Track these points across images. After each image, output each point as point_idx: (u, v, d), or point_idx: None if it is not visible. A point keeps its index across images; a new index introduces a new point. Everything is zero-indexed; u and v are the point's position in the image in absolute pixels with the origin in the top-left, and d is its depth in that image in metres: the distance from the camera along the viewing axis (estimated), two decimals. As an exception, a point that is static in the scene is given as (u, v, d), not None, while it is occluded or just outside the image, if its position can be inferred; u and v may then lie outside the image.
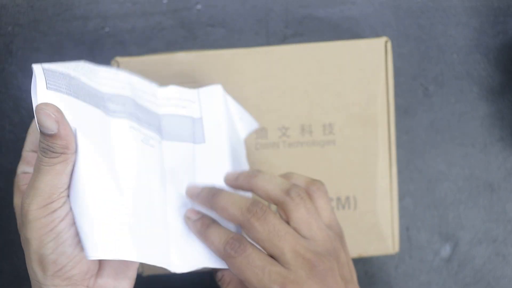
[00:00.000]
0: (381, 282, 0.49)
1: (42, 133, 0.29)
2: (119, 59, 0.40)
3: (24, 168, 0.35)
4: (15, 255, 0.48)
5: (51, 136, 0.28)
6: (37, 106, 0.29)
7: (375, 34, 0.48)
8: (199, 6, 0.48)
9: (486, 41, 0.47)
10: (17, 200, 0.35)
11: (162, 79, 0.39)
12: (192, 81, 0.40)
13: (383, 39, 0.40)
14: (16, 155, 0.48)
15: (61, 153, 0.29)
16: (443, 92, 0.47)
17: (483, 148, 0.48)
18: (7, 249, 0.48)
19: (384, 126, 0.41)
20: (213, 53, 0.41)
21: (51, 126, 0.28)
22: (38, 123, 0.28)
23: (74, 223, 0.30)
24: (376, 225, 0.41)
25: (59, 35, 0.46)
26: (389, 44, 0.40)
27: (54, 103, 0.29)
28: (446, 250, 0.49)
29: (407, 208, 0.49)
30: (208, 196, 0.34)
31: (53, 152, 0.29)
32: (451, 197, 0.49)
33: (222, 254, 0.32)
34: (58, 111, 0.29)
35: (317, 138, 0.41)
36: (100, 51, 0.48)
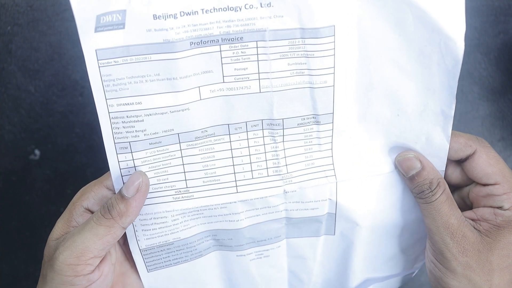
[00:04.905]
0: (382, 282, 0.49)
1: (120, 192, 0.29)
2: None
3: (90, 205, 0.32)
4: (14, 255, 0.48)
5: (122, 198, 0.29)
6: None
7: (376, 34, 0.48)
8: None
9: (487, 41, 0.47)
10: (60, 222, 0.32)
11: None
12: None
13: (384, 39, 0.40)
14: (15, 155, 0.48)
15: (112, 218, 0.29)
16: (443, 92, 0.47)
17: (483, 148, 0.48)
18: (7, 250, 0.48)
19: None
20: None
21: (131, 191, 0.29)
22: (125, 185, 0.29)
23: None
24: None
25: (58, 35, 0.46)
26: (390, 44, 0.40)
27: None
28: (446, 250, 0.49)
29: (408, 208, 0.49)
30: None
31: (109, 213, 0.29)
32: (451, 197, 0.49)
33: None
34: (146, 187, 0.30)
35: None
36: (100, 50, 0.47)
